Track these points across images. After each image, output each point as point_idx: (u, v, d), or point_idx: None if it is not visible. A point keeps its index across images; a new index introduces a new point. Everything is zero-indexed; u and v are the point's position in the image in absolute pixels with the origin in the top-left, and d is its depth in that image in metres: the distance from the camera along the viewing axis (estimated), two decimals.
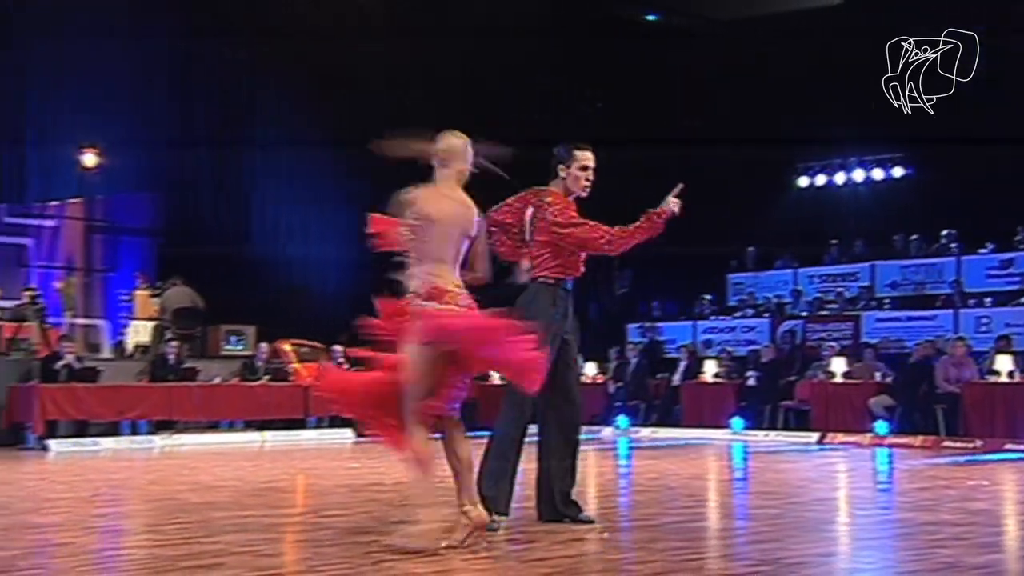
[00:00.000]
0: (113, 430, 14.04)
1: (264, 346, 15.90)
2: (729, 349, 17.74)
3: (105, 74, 18.63)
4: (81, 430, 13.69)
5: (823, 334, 17.46)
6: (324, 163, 19.68)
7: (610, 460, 12.25)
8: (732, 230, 19.11)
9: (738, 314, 19.27)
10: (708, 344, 18.60)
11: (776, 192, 20.57)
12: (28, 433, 13.24)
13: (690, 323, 19.38)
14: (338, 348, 16.71)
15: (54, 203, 18.72)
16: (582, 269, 6.21)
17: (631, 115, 19.15)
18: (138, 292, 16.93)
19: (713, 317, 19.45)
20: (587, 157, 6.18)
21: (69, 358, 13.89)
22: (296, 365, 16.30)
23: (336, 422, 15.79)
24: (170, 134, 18.87)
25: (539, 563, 5.00)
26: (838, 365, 15.20)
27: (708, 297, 19.73)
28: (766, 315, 18.67)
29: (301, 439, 14.95)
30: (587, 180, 6.17)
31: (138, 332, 16.74)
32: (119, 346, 17.34)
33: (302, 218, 20.09)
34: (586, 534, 5.86)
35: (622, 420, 16.34)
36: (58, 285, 17.91)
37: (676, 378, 16.88)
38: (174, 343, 15.16)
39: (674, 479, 9.65)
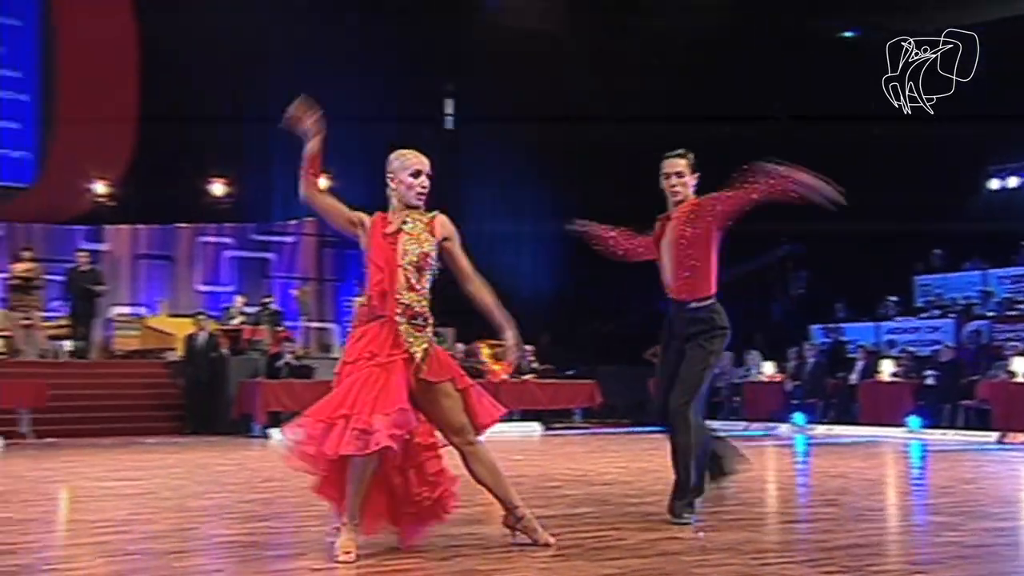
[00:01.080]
0: None
1: (461, 346, 15.64)
2: (911, 349, 16.28)
3: (335, 108, 19.00)
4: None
5: (1010, 334, 15.83)
6: (526, 180, 19.49)
7: (787, 456, 11.19)
8: (919, 233, 17.68)
9: (924, 315, 17.76)
10: (892, 344, 17.18)
11: (966, 195, 18.95)
12: (253, 423, 13.38)
13: (873, 324, 18.01)
14: (529, 348, 16.33)
15: (293, 222, 19.25)
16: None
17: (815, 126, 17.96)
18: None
19: (898, 318, 17.98)
20: (668, 164, 5.38)
21: (288, 357, 14.03)
22: (491, 363, 16.03)
23: (528, 416, 15.46)
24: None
25: (609, 562, 4.30)
26: (1020, 365, 13.60)
27: (893, 299, 18.29)
28: (952, 316, 17.10)
29: (491, 432, 14.51)
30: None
31: None
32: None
33: (506, 229, 19.94)
34: (678, 533, 5.05)
35: (798, 417, 15.17)
36: (295, 293, 18.39)
37: (853, 377, 15.56)
38: None
39: (850, 474, 8.57)
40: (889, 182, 16.11)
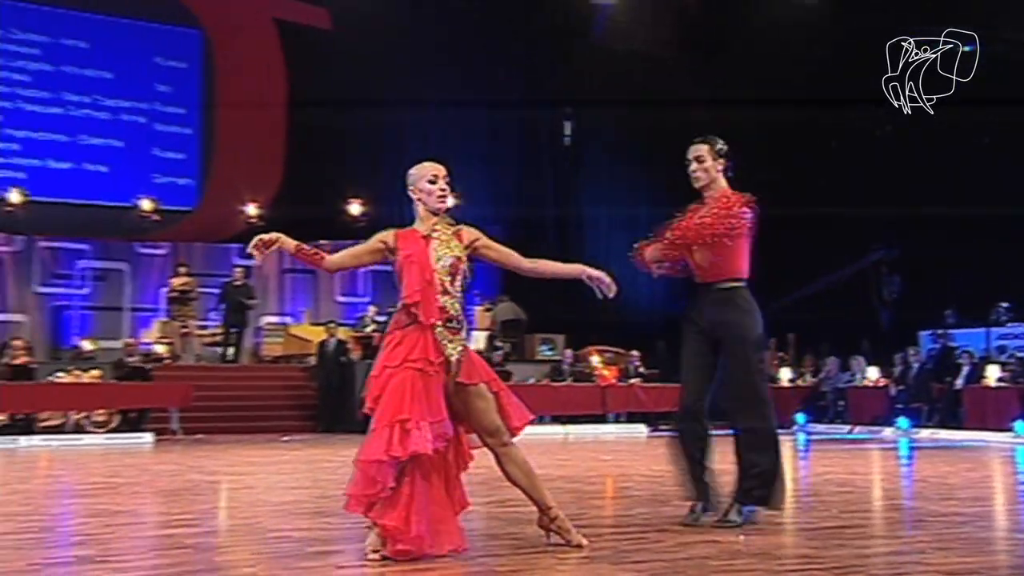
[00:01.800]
0: None
1: (569, 352, 15.40)
2: (1020, 355, 15.11)
3: (465, 140, 19.19)
4: None
5: None
6: (641, 193, 19.11)
7: (891, 459, 10.50)
8: None
9: None
10: (1002, 350, 16.00)
11: None
12: None
13: (984, 330, 16.80)
14: (635, 353, 15.96)
15: None
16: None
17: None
18: (477, 308, 16.99)
19: (1010, 324, 16.75)
20: (690, 149, 5.00)
21: None
22: (600, 368, 15.73)
23: (635, 418, 15.07)
24: (515, 187, 19.32)
25: (634, 564, 3.99)
26: None
27: (1006, 305, 17.05)
28: None
29: (600, 433, 14.23)
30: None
31: (478, 341, 16.78)
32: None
33: (621, 244, 19.57)
34: (719, 537, 4.67)
35: (902, 421, 14.29)
36: None
37: (959, 382, 14.54)
38: (500, 349, 15.02)
39: (954, 478, 7.94)
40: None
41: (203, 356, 15.81)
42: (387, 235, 4.30)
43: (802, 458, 10.38)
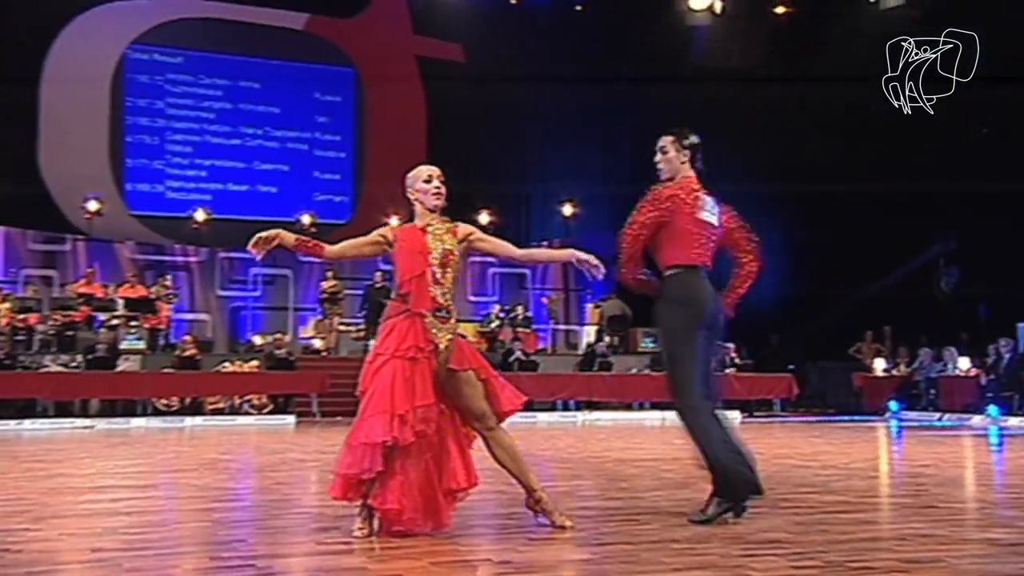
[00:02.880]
0: (551, 406, 13.88)
1: None
2: None
3: (580, 149, 19.03)
4: (527, 406, 13.67)
5: None
6: (759, 203, 18.35)
7: (983, 446, 9.67)
8: None
9: None
10: None
11: None
12: None
13: None
14: (730, 346, 15.34)
15: (544, 243, 19.27)
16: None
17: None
18: (588, 305, 16.79)
19: None
20: (659, 140, 4.52)
21: (519, 353, 13.96)
22: None
23: (732, 404, 14.47)
24: (627, 189, 18.81)
25: (598, 546, 3.77)
26: None
27: None
28: None
29: None
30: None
31: (589, 335, 16.59)
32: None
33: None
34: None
35: (992, 409, 13.16)
36: (545, 301, 18.36)
37: None
38: (605, 343, 14.76)
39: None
40: None
41: (350, 349, 16.21)
42: (387, 230, 4.24)
43: (895, 444, 9.71)
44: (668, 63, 17.44)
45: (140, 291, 14.95)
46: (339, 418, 12.75)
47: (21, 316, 14.14)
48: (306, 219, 18.05)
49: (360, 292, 16.45)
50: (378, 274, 16.21)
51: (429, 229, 4.17)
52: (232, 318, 17.32)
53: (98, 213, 16.44)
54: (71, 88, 17.16)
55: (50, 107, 17.06)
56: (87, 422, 11.42)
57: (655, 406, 14.16)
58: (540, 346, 17.09)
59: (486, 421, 4.09)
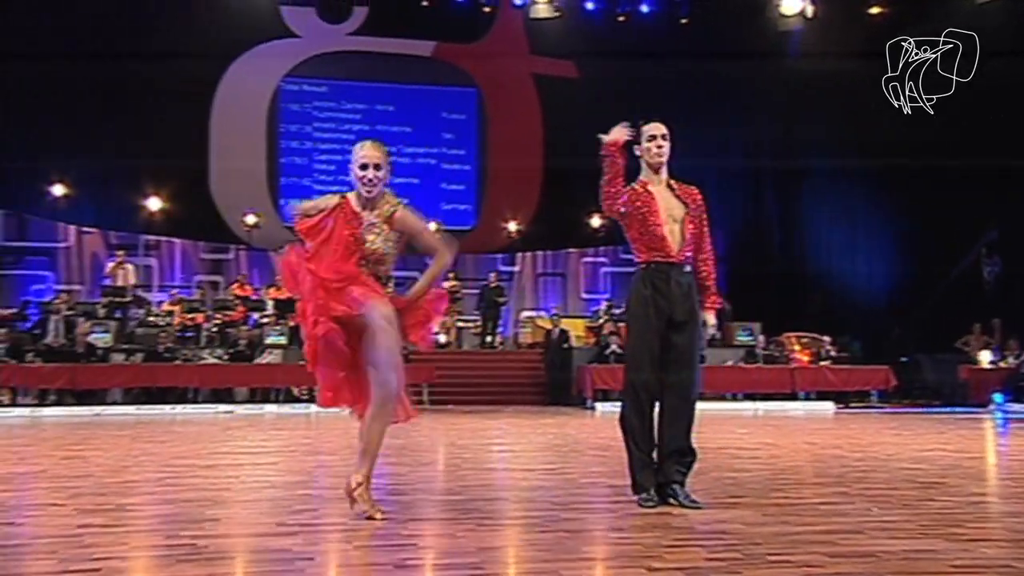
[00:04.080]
0: None
1: (761, 338, 14.37)
2: None
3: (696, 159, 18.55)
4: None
5: None
6: (863, 191, 17.43)
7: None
8: None
9: None
10: None
11: None
12: (586, 398, 13.36)
13: None
14: (827, 339, 14.60)
15: None
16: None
17: None
18: None
19: None
20: (652, 127, 4.46)
21: (614, 346, 13.80)
22: (798, 352, 14.55)
23: (825, 396, 13.76)
24: (741, 184, 18.40)
25: (540, 533, 3.71)
26: None
27: None
28: None
29: (788, 409, 13.16)
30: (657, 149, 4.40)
31: None
32: None
33: (842, 239, 17.94)
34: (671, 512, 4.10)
35: None
36: None
37: None
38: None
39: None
40: None
41: (471, 344, 16.55)
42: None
43: (1001, 435, 9.00)
44: (766, 70, 16.79)
45: (286, 292, 15.84)
46: (450, 407, 13.08)
47: (190, 315, 15.31)
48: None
49: (477, 292, 16.77)
50: (492, 275, 16.48)
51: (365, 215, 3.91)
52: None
53: (256, 226, 17.53)
54: (235, 118, 18.40)
55: (218, 136, 18.34)
56: (229, 407, 12.25)
57: (748, 397, 13.68)
58: None
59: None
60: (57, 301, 14.44)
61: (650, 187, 4.43)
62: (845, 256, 18.02)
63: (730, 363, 14.11)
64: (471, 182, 20.00)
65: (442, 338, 16.47)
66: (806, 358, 14.17)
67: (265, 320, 15.23)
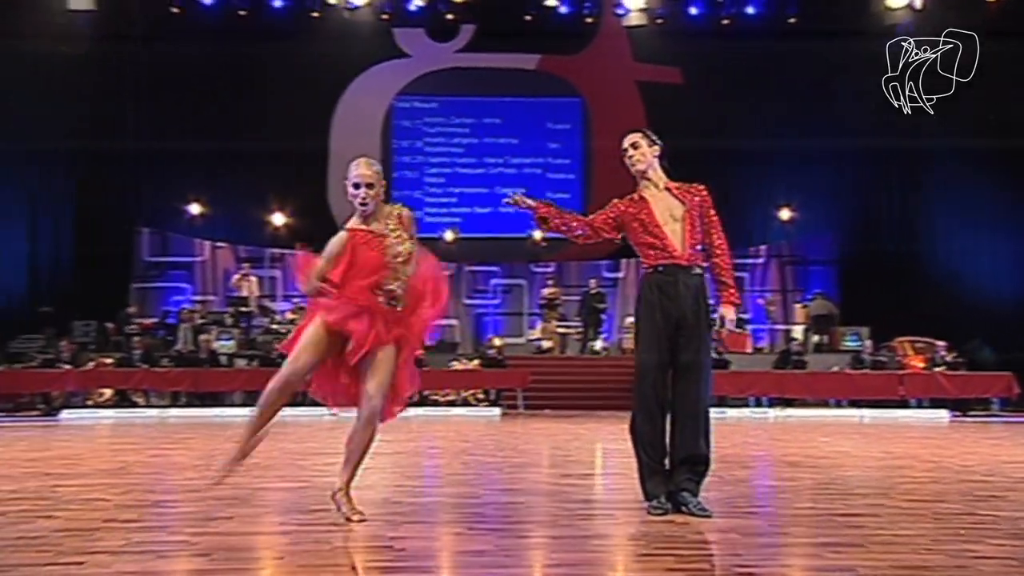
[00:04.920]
0: (743, 402, 13.21)
1: (869, 343, 13.59)
2: None
3: (799, 160, 17.88)
4: (720, 401, 13.12)
5: None
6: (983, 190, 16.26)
7: None
8: None
9: None
10: None
11: None
12: None
13: None
14: (941, 343, 13.66)
15: (763, 247, 18.40)
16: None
17: None
18: (796, 305, 15.73)
19: None
20: (624, 140, 4.45)
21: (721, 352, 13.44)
22: (911, 356, 13.71)
23: (941, 404, 12.86)
24: (852, 195, 17.61)
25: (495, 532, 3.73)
26: None
27: None
28: None
29: (898, 417, 12.40)
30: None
31: (795, 333, 15.53)
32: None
33: (966, 243, 16.73)
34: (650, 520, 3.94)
35: None
36: (762, 303, 17.47)
37: None
38: (798, 341, 13.79)
39: None
40: None
41: (575, 350, 16.54)
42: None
43: None
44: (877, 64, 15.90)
45: None
46: (546, 411, 13.13)
47: None
48: (536, 234, 18.68)
49: (578, 298, 16.76)
50: (593, 281, 16.43)
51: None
52: (476, 323, 18.38)
53: None
54: (351, 137, 19.21)
55: (336, 154, 19.20)
56: (335, 410, 12.75)
57: (853, 404, 13.00)
58: (758, 346, 16.30)
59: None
60: (191, 311, 15.55)
61: (644, 193, 4.38)
62: (970, 252, 16.77)
63: (835, 368, 13.46)
64: (576, 191, 19.99)
65: (545, 344, 16.57)
66: (920, 364, 13.31)
67: None
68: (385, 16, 18.04)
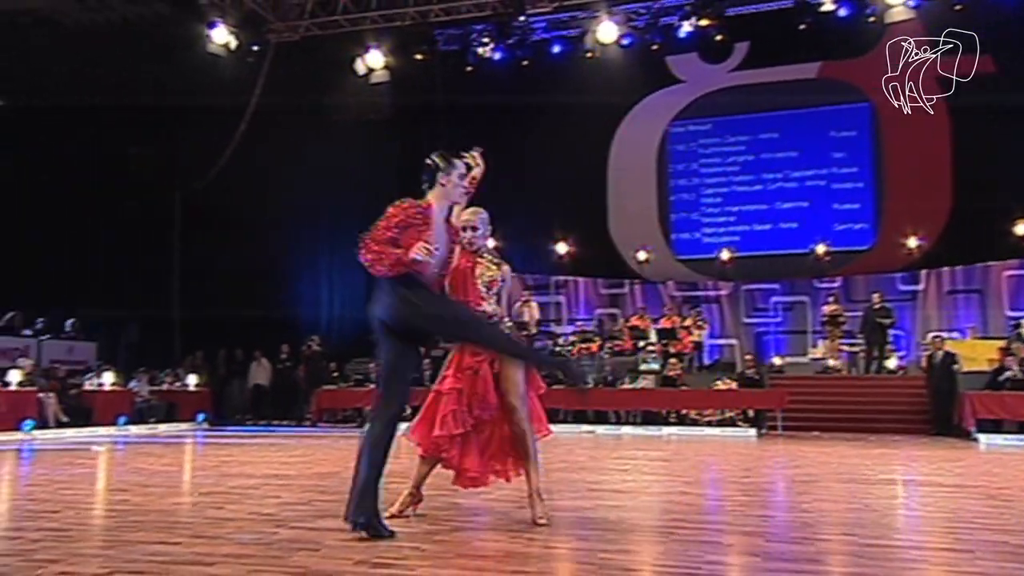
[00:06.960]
0: None
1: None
2: None
3: None
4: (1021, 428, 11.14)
5: None
6: None
7: None
8: None
9: None
10: None
11: None
12: (969, 429, 11.30)
13: None
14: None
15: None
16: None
17: None
18: None
19: None
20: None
21: (1015, 370, 11.47)
22: None
23: None
24: None
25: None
26: None
27: None
28: None
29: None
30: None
31: None
32: None
33: None
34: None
35: None
36: None
37: None
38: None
39: None
40: None
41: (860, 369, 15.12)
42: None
43: None
44: None
45: (670, 322, 16.31)
46: (816, 433, 12.18)
47: (585, 345, 16.68)
48: (820, 249, 17.43)
49: (859, 314, 15.29)
50: (876, 295, 14.95)
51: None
52: (756, 342, 17.55)
53: (646, 261, 18.39)
54: (628, 164, 19.63)
55: (615, 182, 19.72)
56: (589, 427, 13.04)
57: None
58: None
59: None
60: None
61: None
62: None
63: None
64: (866, 200, 18.28)
65: (831, 362, 15.34)
66: None
67: (652, 348, 15.86)
68: (655, 47, 18.16)
